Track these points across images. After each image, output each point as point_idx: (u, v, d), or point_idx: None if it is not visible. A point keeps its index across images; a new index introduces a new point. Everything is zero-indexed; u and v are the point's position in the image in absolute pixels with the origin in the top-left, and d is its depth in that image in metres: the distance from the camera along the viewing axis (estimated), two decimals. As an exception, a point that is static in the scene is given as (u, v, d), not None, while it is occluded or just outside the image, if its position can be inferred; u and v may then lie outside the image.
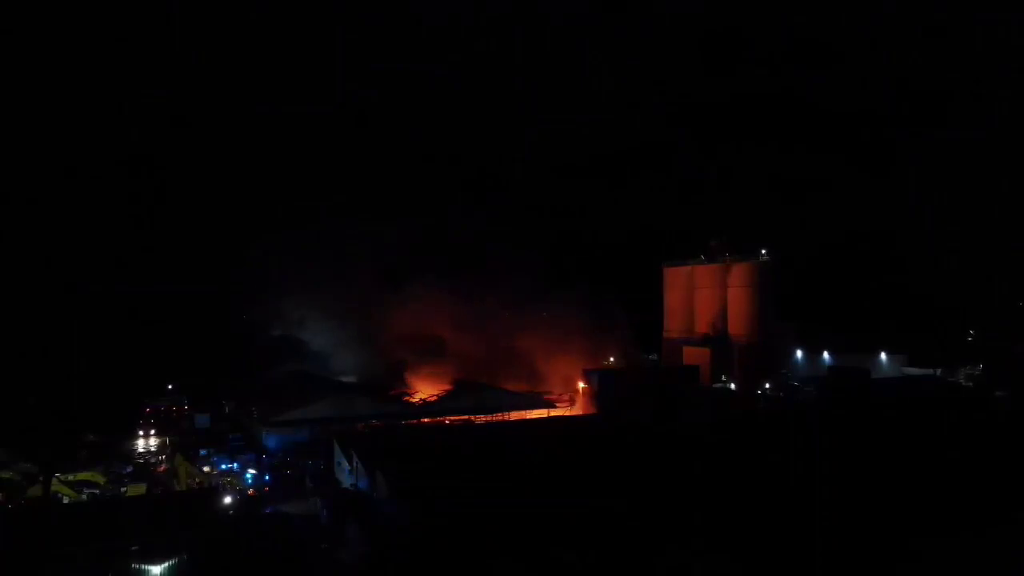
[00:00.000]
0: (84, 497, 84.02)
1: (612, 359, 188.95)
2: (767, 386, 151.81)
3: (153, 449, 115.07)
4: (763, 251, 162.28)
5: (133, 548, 58.92)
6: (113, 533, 62.36)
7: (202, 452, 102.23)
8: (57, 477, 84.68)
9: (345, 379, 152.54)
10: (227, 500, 79.36)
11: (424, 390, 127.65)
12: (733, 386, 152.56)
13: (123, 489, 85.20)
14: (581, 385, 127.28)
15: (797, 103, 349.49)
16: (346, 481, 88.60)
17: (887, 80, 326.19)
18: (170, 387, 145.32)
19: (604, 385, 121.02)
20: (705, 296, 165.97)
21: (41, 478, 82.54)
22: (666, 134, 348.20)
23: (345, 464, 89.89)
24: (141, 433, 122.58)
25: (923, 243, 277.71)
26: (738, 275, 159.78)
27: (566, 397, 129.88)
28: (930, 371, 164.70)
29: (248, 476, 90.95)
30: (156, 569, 57.87)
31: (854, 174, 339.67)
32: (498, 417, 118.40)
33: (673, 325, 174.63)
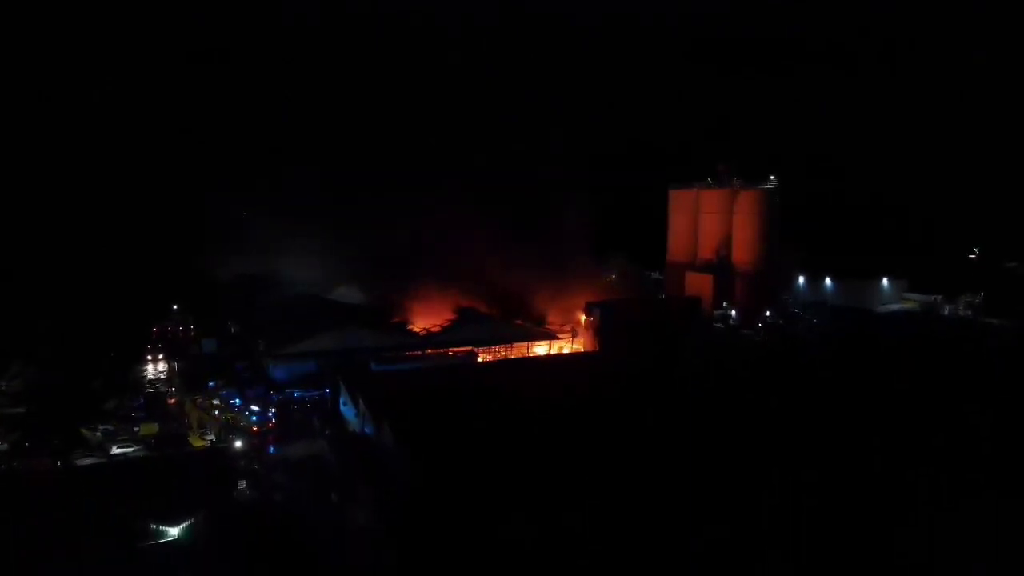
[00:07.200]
0: (99, 435, 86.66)
1: (614, 276, 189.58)
2: (767, 314, 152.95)
3: (163, 376, 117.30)
4: (771, 177, 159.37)
5: (152, 510, 61.48)
6: (132, 495, 64.98)
7: (210, 384, 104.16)
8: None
9: (346, 300, 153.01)
10: (237, 444, 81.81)
11: (426, 317, 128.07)
12: (734, 313, 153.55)
13: (136, 429, 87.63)
14: (583, 317, 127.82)
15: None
16: (352, 422, 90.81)
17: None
18: (175, 307, 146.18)
19: (606, 319, 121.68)
20: (710, 221, 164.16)
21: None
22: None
23: (351, 405, 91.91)
24: (149, 358, 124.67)
25: (925, 155, 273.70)
26: (745, 202, 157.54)
27: (567, 329, 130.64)
28: (930, 297, 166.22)
29: (252, 415, 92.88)
30: (174, 530, 60.44)
31: (854, 85, 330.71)
32: (501, 349, 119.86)
33: (677, 248, 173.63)
